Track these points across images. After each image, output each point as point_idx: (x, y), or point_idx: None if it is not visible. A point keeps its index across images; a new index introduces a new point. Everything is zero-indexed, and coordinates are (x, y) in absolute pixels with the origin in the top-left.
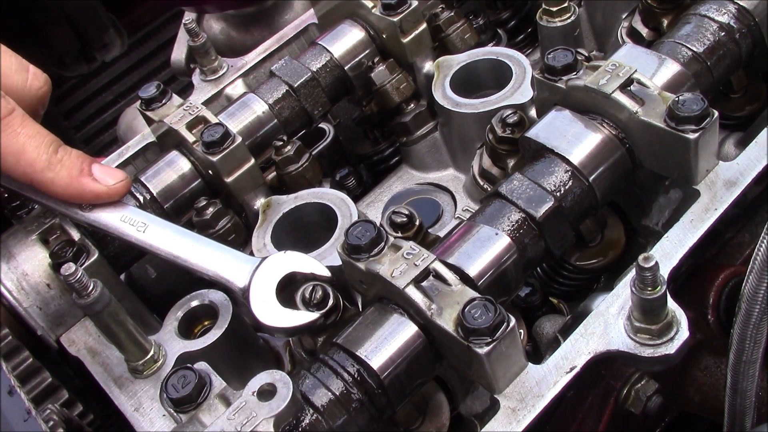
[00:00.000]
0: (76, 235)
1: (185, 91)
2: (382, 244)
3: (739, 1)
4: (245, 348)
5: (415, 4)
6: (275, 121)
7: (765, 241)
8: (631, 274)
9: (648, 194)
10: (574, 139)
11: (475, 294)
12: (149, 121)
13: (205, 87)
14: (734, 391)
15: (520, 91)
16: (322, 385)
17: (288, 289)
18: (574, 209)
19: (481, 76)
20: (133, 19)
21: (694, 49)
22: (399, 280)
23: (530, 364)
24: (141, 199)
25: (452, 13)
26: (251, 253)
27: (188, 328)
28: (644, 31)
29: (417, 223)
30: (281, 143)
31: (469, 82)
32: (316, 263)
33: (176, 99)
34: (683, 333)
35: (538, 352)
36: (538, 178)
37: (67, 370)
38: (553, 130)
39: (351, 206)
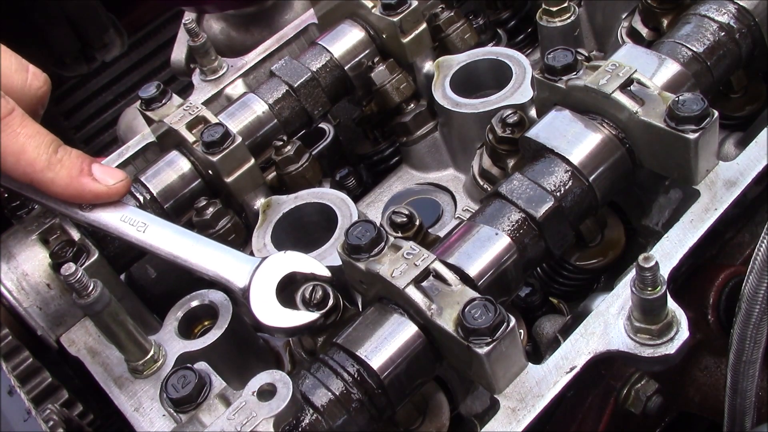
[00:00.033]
0: (76, 235)
1: (185, 91)
2: (382, 244)
3: (739, 1)
4: (245, 348)
5: (415, 4)
6: (275, 121)
7: (765, 241)
8: (631, 274)
9: (648, 194)
10: (574, 139)
11: (475, 294)
12: (149, 121)
13: (205, 87)
14: (734, 391)
15: (520, 91)
16: (322, 385)
17: (288, 289)
18: (574, 209)
19: (481, 76)
20: (133, 19)
21: (694, 49)
22: (399, 280)
23: (530, 364)
24: (141, 199)
25: (452, 13)
26: (251, 253)
27: (188, 328)
28: (644, 31)
29: (417, 223)
30: (281, 143)
31: (469, 82)
32: (316, 263)
33: (176, 99)
34: (683, 333)
35: (538, 352)
36: (538, 178)
37: (67, 370)
38: (553, 130)
39: (351, 206)
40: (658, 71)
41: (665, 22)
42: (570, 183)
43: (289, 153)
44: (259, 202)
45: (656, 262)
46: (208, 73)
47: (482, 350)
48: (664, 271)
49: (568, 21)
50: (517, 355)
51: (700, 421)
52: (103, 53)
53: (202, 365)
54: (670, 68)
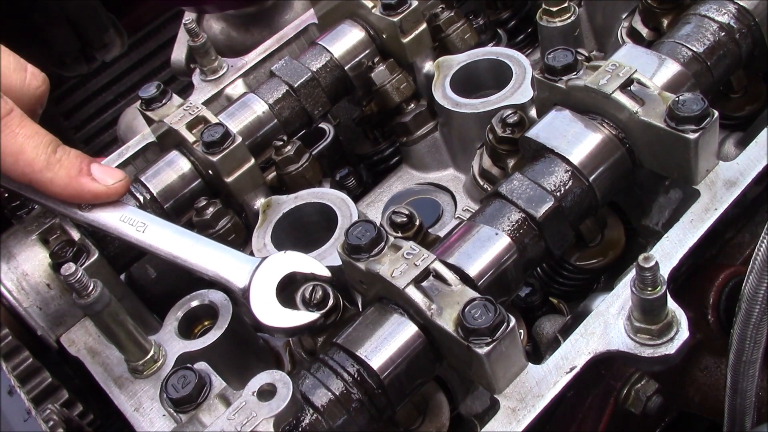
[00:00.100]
0: (76, 235)
1: (185, 91)
2: (382, 244)
3: (739, 1)
4: (245, 348)
5: (415, 4)
6: (275, 121)
7: (765, 241)
8: (631, 274)
9: (648, 194)
10: (574, 139)
11: (475, 294)
12: (149, 121)
13: (205, 87)
14: (734, 391)
15: (520, 91)
16: (322, 385)
17: (288, 289)
18: (574, 209)
19: (481, 76)
20: (133, 19)
21: (694, 49)
22: (399, 280)
23: (530, 364)
24: (141, 199)
25: (452, 13)
26: (251, 253)
27: (188, 328)
28: (644, 31)
29: (417, 223)
30: (281, 143)
31: (469, 82)
32: (316, 263)
33: (176, 99)
34: (683, 333)
35: (538, 352)
36: (538, 178)
37: (67, 370)
38: (553, 130)
39: (351, 206)
40: (658, 71)
41: (665, 22)
42: (570, 183)
43: (289, 153)
44: (259, 202)
45: (656, 262)
46: (208, 73)
47: (482, 350)
48: (664, 271)
49: (568, 21)
50: (517, 355)
51: (700, 421)
52: (103, 53)
53: (202, 365)
54: (670, 68)
